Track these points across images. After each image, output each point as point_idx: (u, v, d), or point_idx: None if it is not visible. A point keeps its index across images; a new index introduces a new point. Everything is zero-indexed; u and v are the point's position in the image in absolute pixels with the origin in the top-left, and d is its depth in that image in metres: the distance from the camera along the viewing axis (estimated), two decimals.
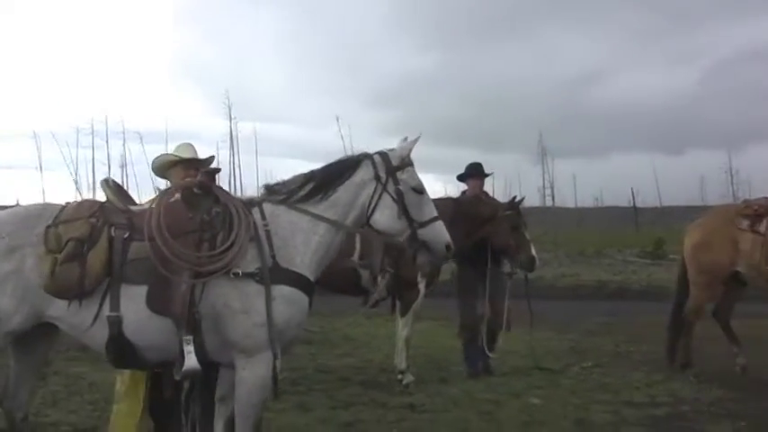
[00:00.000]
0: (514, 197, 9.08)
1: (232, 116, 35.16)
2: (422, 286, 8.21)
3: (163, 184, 6.11)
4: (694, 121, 62.01)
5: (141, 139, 34.02)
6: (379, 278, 7.95)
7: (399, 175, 4.69)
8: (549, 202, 37.65)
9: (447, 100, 69.37)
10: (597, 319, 13.58)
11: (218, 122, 46.70)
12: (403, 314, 8.33)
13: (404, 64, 70.82)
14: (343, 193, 4.68)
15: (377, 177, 4.69)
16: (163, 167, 5.70)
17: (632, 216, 37.67)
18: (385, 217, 4.67)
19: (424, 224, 4.67)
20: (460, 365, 9.13)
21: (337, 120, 34.72)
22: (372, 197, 4.68)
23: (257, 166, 38.04)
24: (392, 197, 4.65)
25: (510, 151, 56.55)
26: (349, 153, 4.92)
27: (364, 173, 4.72)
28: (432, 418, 7.04)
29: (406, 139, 4.90)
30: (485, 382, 8.54)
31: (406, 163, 4.75)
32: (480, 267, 8.78)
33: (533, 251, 8.84)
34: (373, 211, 4.68)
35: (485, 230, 8.55)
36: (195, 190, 4.63)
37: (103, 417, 6.78)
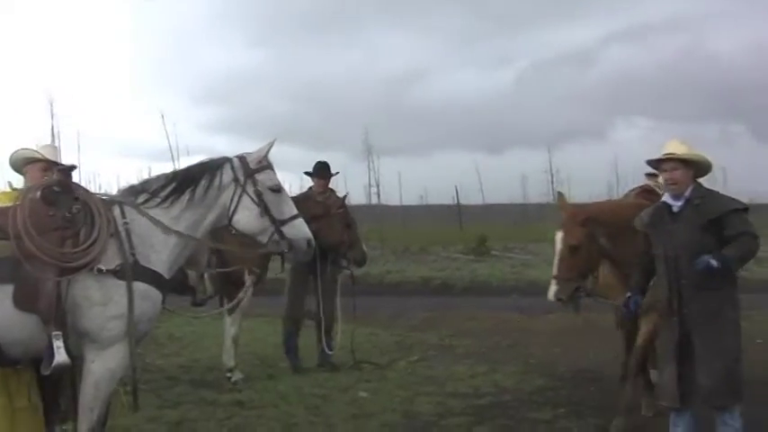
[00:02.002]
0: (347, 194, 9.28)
1: (54, 114, 33.53)
2: (249, 284, 8.18)
3: None
4: (514, 121, 64.45)
5: None
6: (206, 276, 7.92)
7: (257, 176, 4.82)
8: (374, 200, 37.88)
9: (273, 97, 69.27)
10: (422, 315, 13.80)
11: (40, 121, 44.46)
12: (230, 312, 8.29)
13: (230, 60, 70.04)
14: (202, 194, 4.78)
15: (236, 180, 4.80)
16: (21, 162, 5.49)
17: (456, 214, 38.44)
18: (245, 217, 4.80)
19: (284, 222, 4.81)
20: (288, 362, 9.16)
21: (162, 117, 33.76)
22: (233, 199, 4.80)
23: (80, 166, 36.45)
24: (251, 198, 4.79)
25: (336, 149, 56.85)
26: (212, 157, 5.02)
27: (224, 176, 4.83)
28: (261, 414, 7.06)
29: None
30: (313, 377, 8.61)
31: (264, 165, 4.89)
32: (312, 264, 8.82)
33: (365, 247, 9.18)
34: (234, 213, 4.80)
35: (316, 227, 8.59)
36: (55, 188, 4.62)
37: None
